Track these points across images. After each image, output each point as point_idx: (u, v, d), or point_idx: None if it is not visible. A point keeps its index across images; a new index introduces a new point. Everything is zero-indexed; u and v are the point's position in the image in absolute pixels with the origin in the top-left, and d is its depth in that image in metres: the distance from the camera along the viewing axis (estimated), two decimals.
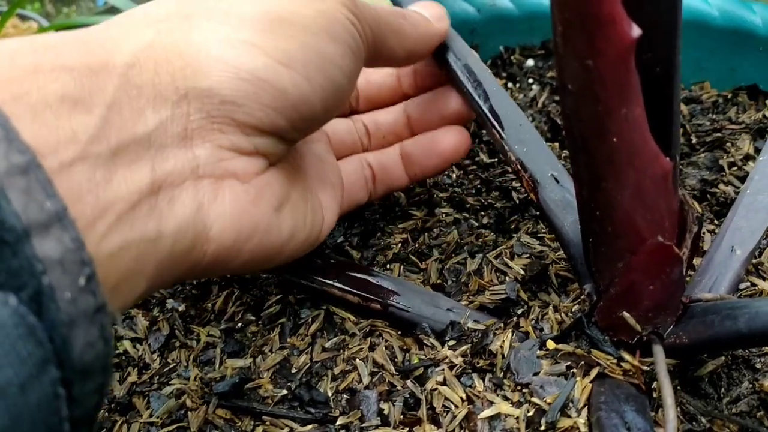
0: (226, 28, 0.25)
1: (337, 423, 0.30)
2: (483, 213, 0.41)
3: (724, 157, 0.44)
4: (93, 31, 0.24)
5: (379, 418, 0.30)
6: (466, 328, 0.33)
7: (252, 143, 0.26)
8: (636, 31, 0.21)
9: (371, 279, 0.35)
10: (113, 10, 1.05)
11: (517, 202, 0.40)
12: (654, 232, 0.26)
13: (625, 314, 0.28)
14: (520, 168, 0.34)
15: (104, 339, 0.18)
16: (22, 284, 0.16)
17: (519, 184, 0.42)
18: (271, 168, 0.28)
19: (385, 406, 0.31)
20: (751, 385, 0.31)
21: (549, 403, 0.28)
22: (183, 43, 0.25)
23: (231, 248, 0.26)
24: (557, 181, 0.34)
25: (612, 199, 0.26)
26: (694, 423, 0.29)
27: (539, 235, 0.38)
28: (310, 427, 0.31)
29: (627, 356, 0.29)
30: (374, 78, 0.40)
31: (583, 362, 0.30)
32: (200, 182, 0.25)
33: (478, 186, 0.43)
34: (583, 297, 0.32)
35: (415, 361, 0.32)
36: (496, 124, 0.36)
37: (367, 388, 0.32)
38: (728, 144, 0.45)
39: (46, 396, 0.16)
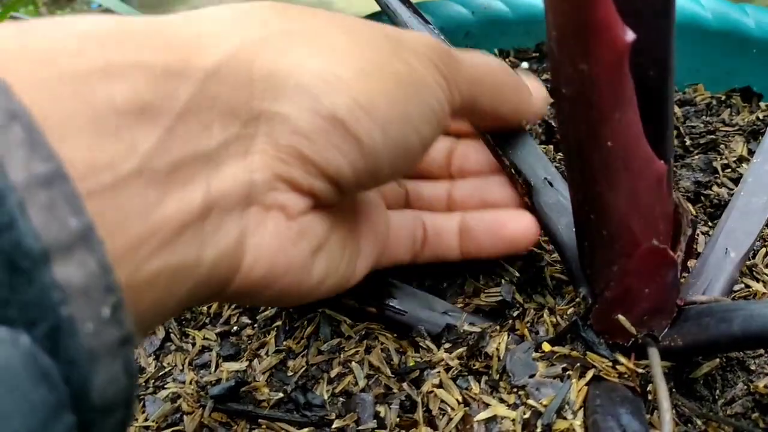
0: (324, 59, 0.24)
1: (333, 426, 0.30)
2: None
3: (718, 159, 0.44)
4: (175, 25, 0.22)
5: (375, 421, 0.30)
6: (462, 331, 0.33)
7: (310, 182, 0.24)
8: (630, 35, 0.21)
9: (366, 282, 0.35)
10: (107, 12, 1.04)
11: None
12: (649, 235, 0.26)
13: (620, 317, 0.29)
14: (513, 172, 0.34)
15: (128, 373, 0.16)
16: (37, 318, 0.14)
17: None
18: (319, 209, 0.26)
19: (381, 408, 0.31)
20: (745, 387, 0.31)
21: (545, 405, 0.28)
22: (273, 64, 0.23)
23: (258, 283, 0.24)
24: (551, 185, 0.34)
25: (607, 203, 0.26)
26: (689, 425, 0.29)
27: None
28: (306, 430, 0.31)
29: (622, 359, 0.30)
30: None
31: (578, 364, 0.30)
32: (249, 209, 0.23)
33: None
34: (578, 300, 0.32)
35: (411, 364, 0.32)
36: None
37: (363, 391, 0.32)
38: (722, 146, 0.45)
39: None
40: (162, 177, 0.19)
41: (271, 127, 0.23)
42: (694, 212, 0.41)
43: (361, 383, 0.32)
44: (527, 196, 0.34)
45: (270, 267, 0.24)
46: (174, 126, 0.20)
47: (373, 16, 0.53)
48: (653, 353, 0.28)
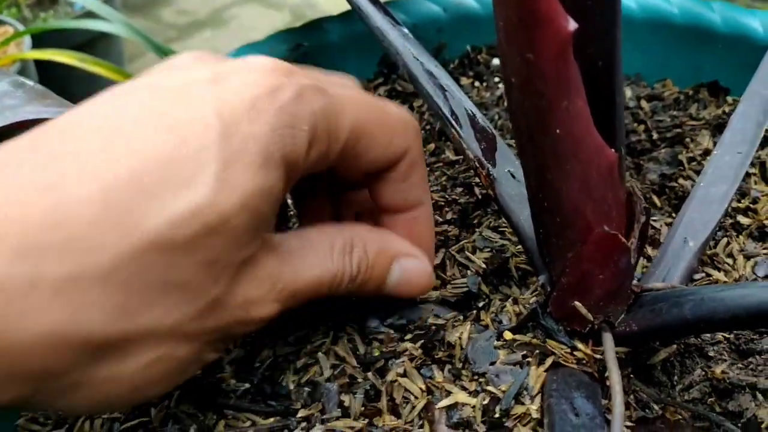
0: None
1: (299, 415, 0.31)
2: (447, 209, 0.41)
3: (684, 152, 0.45)
4: None
5: (339, 410, 0.31)
6: (427, 322, 0.34)
7: None
8: (572, 25, 0.22)
9: None
10: (90, 15, 1.05)
11: (480, 197, 0.41)
12: (601, 222, 0.27)
13: (577, 304, 0.29)
14: (478, 165, 0.35)
15: None
16: None
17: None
18: None
19: (345, 398, 0.31)
20: (703, 373, 0.31)
21: (504, 391, 0.29)
22: None
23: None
24: (513, 177, 0.34)
25: (559, 191, 0.26)
26: (647, 410, 0.30)
27: (500, 229, 0.39)
28: (271, 420, 0.31)
29: (580, 345, 0.30)
30: None
31: (538, 351, 0.30)
32: None
33: (444, 182, 0.43)
34: (538, 288, 0.33)
35: (377, 354, 0.33)
36: (454, 123, 0.37)
37: (328, 380, 0.32)
38: (688, 139, 0.46)
39: None
40: None
41: None
42: (659, 204, 0.42)
43: (327, 373, 0.32)
44: (491, 189, 0.35)
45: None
46: None
47: (346, 15, 0.53)
48: (607, 338, 0.28)
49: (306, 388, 0.32)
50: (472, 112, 0.38)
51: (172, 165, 0.23)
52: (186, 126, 0.23)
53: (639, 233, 0.29)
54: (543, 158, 0.26)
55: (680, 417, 0.29)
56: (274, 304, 0.27)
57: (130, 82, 0.26)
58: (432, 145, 0.47)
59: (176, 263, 0.23)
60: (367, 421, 0.30)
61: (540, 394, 0.29)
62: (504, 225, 0.39)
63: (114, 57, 1.32)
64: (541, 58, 0.23)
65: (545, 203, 0.27)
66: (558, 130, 0.24)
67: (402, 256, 0.31)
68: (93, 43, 1.18)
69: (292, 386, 0.32)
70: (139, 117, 0.24)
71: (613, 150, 0.26)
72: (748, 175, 0.42)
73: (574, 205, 0.26)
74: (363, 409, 0.31)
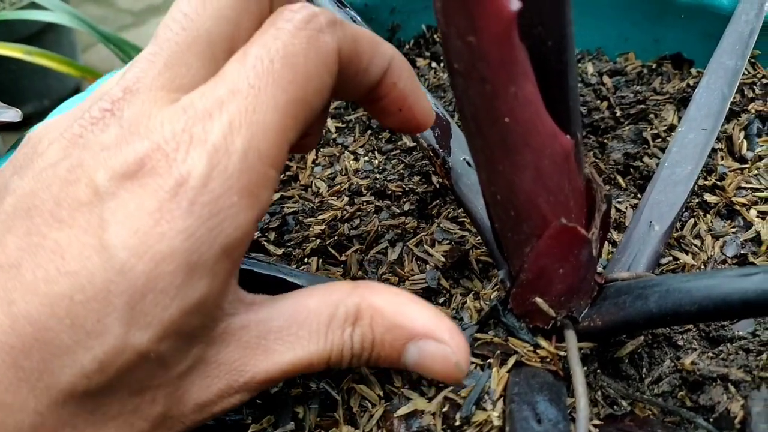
0: None
1: (250, 430, 0.29)
2: (405, 199, 0.39)
3: (648, 129, 0.43)
4: None
5: (293, 422, 0.29)
6: None
7: None
8: (515, 4, 0.20)
9: (288, 278, 0.34)
10: (35, 5, 1.00)
11: (438, 186, 0.39)
12: (558, 213, 0.25)
13: (538, 300, 0.27)
14: (432, 154, 0.33)
15: None
16: None
17: None
18: None
19: (299, 409, 0.29)
20: (672, 364, 0.30)
21: (464, 397, 0.27)
22: None
23: None
24: (469, 165, 0.33)
25: (511, 183, 0.24)
26: (615, 407, 0.28)
27: (459, 219, 0.37)
28: None
29: (543, 342, 0.29)
30: None
31: (499, 351, 0.29)
32: None
33: (401, 171, 0.41)
34: (497, 284, 0.31)
35: None
36: None
37: (280, 391, 0.30)
38: (652, 115, 0.44)
39: None
40: None
41: None
42: (624, 184, 0.40)
43: (279, 383, 0.30)
44: (446, 178, 0.33)
45: None
46: None
47: None
48: (570, 336, 0.27)
49: (257, 400, 0.30)
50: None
51: (75, 314, 0.20)
52: (81, 266, 0.20)
53: (600, 223, 0.27)
54: (492, 149, 0.24)
55: (650, 413, 0.28)
56: (239, 395, 0.24)
57: None
58: (387, 133, 0.45)
59: (101, 403, 0.21)
60: None
61: (502, 398, 0.27)
62: (463, 215, 0.37)
63: (66, 48, 1.27)
64: (483, 41, 0.21)
65: (498, 196, 0.25)
66: (506, 119, 0.22)
67: (421, 338, 0.24)
68: (42, 34, 1.14)
69: None
70: (24, 260, 0.21)
71: (567, 136, 0.24)
72: (714, 150, 0.41)
73: (528, 197, 0.25)
74: (318, 420, 0.29)
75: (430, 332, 0.24)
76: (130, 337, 0.20)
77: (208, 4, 0.23)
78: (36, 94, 1.26)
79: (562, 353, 0.28)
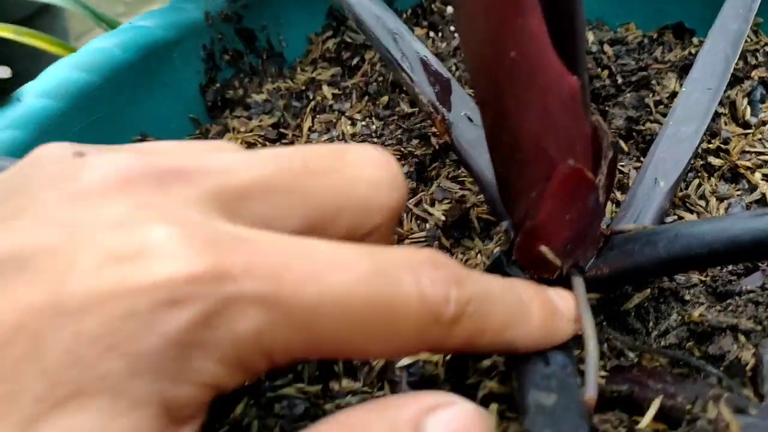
0: None
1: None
2: (403, 162, 0.39)
3: (650, 96, 0.43)
4: None
5: (291, 374, 0.28)
6: None
7: None
8: None
9: None
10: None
11: (437, 147, 0.38)
12: (564, 155, 0.24)
13: (543, 248, 0.27)
14: (432, 110, 0.32)
15: None
16: None
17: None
18: None
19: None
20: (680, 317, 0.29)
21: None
22: None
23: None
24: (471, 120, 0.32)
25: (517, 122, 0.24)
26: (621, 358, 0.28)
27: (460, 179, 0.36)
28: None
29: None
30: None
31: None
32: None
33: (399, 136, 0.41)
34: (501, 235, 0.31)
35: None
36: (406, 68, 0.34)
37: None
38: (654, 82, 0.44)
39: None
40: None
41: None
42: (626, 149, 0.40)
43: None
44: (447, 134, 0.32)
45: None
46: None
47: None
48: (578, 282, 0.26)
49: None
50: (425, 56, 0.35)
51: None
52: None
53: (607, 169, 0.26)
54: (497, 86, 0.23)
55: (657, 364, 0.27)
56: None
57: None
58: (386, 98, 0.44)
59: None
60: (321, 385, 0.28)
61: None
62: (464, 174, 0.36)
63: (59, 33, 1.26)
64: None
65: (503, 137, 0.25)
66: (513, 53, 0.22)
67: None
68: (35, 17, 1.12)
69: None
70: None
71: (575, 77, 0.23)
72: (718, 115, 0.40)
73: (534, 137, 0.24)
74: (317, 372, 0.28)
75: None
76: None
77: None
78: (29, 79, 1.24)
79: None
